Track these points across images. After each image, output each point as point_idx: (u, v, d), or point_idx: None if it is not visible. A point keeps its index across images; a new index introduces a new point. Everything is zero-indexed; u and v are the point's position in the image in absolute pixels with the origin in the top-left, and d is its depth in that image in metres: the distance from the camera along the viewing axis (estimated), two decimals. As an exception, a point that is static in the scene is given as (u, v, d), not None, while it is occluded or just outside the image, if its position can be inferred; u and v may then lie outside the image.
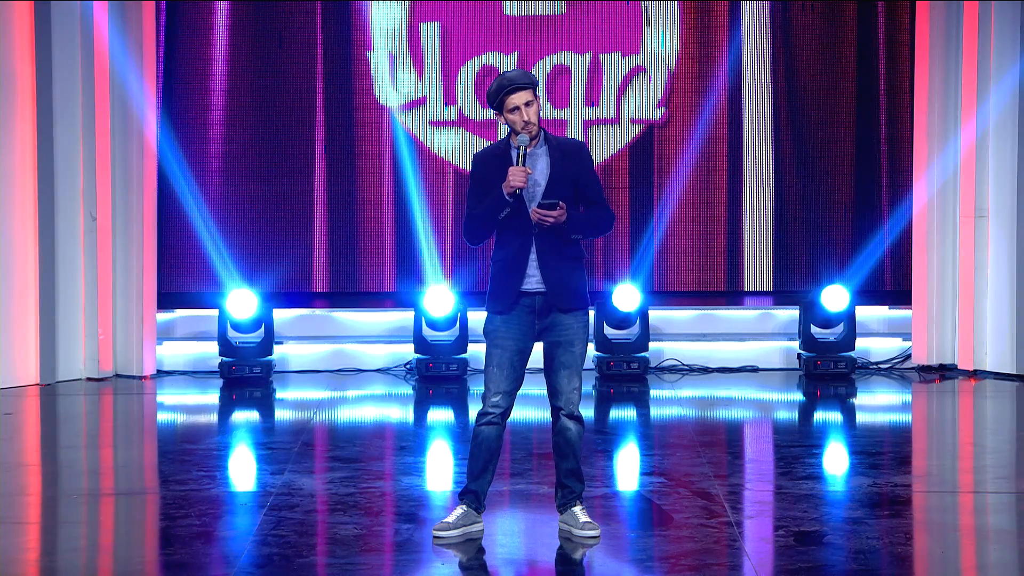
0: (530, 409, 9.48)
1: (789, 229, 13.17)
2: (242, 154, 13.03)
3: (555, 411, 6.79)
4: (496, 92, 6.61)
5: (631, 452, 9.04)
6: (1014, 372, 11.27)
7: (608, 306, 11.53)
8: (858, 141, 13.12)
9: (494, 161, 6.70)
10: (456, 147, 13.06)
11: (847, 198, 13.15)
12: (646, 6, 13.03)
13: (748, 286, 13.20)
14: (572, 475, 6.83)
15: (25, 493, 7.96)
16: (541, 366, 6.82)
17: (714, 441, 9.26)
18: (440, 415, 10.31)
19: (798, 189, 13.15)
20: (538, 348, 6.79)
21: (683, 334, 12.03)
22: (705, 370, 11.69)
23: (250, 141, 13.02)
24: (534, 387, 7.50)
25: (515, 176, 6.56)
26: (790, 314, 11.92)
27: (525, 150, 6.60)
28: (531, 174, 6.62)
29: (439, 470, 8.49)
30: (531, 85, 6.61)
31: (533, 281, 6.69)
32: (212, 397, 10.98)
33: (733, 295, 13.10)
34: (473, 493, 6.80)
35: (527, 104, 6.60)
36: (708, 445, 8.97)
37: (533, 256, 6.68)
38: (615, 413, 10.47)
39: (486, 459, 6.77)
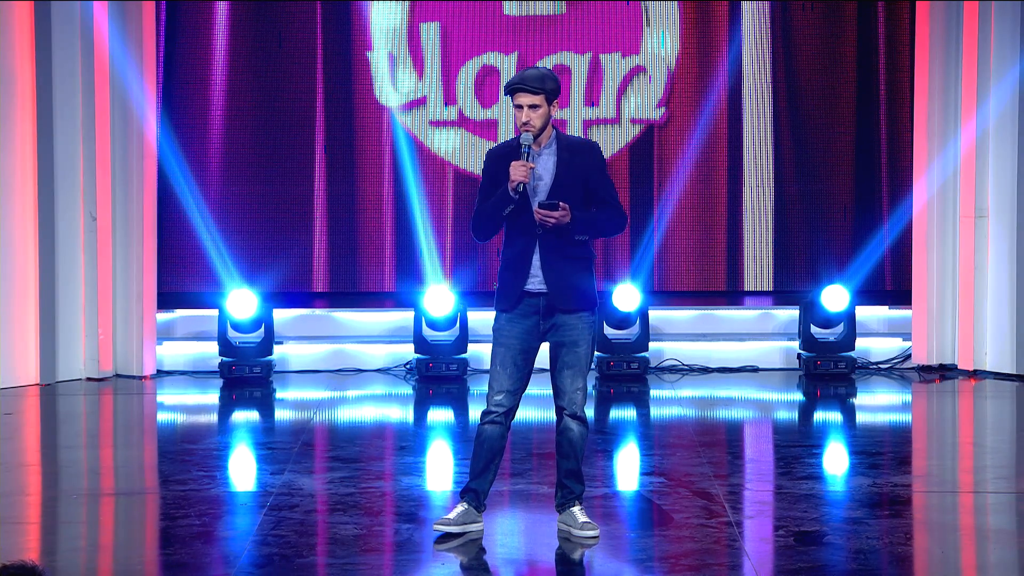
0: (531, 409, 9.48)
1: (789, 229, 13.16)
2: (242, 154, 13.02)
3: (559, 411, 6.83)
4: (508, 84, 6.68)
5: (631, 452, 9.04)
6: (1014, 372, 11.27)
7: (608, 306, 11.53)
8: (858, 141, 13.11)
9: (503, 158, 6.72)
10: (456, 147, 13.06)
11: (847, 198, 13.15)
12: (646, 6, 13.03)
13: (748, 286, 13.19)
14: (572, 475, 6.84)
15: (25, 493, 7.96)
16: (547, 366, 6.85)
17: (714, 441, 9.26)
18: (440, 415, 10.31)
19: (798, 189, 13.14)
20: (544, 347, 6.81)
21: (683, 334, 12.02)
22: (705, 370, 11.69)
23: (250, 141, 13.02)
24: (535, 387, 7.49)
25: (515, 170, 6.58)
26: (790, 314, 11.92)
27: (529, 147, 6.62)
28: (533, 168, 6.63)
29: (439, 470, 8.49)
30: (543, 92, 6.61)
31: (536, 282, 6.70)
32: (212, 397, 10.98)
33: (733, 295, 13.10)
34: (474, 492, 6.80)
35: (531, 107, 6.63)
36: (708, 445, 8.97)
37: (536, 256, 6.69)
38: (615, 413, 10.47)
39: (488, 458, 6.77)
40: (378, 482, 8.00)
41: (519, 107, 6.64)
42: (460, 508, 6.80)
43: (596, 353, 11.48)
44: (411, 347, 11.56)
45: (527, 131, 6.64)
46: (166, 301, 12.07)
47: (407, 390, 11.13)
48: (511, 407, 6.75)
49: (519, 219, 6.67)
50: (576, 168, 6.70)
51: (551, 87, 6.64)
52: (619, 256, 13.12)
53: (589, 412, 10.35)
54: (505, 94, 6.73)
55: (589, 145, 6.84)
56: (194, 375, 11.59)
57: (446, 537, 6.73)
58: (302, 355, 11.79)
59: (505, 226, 6.74)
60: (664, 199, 13.09)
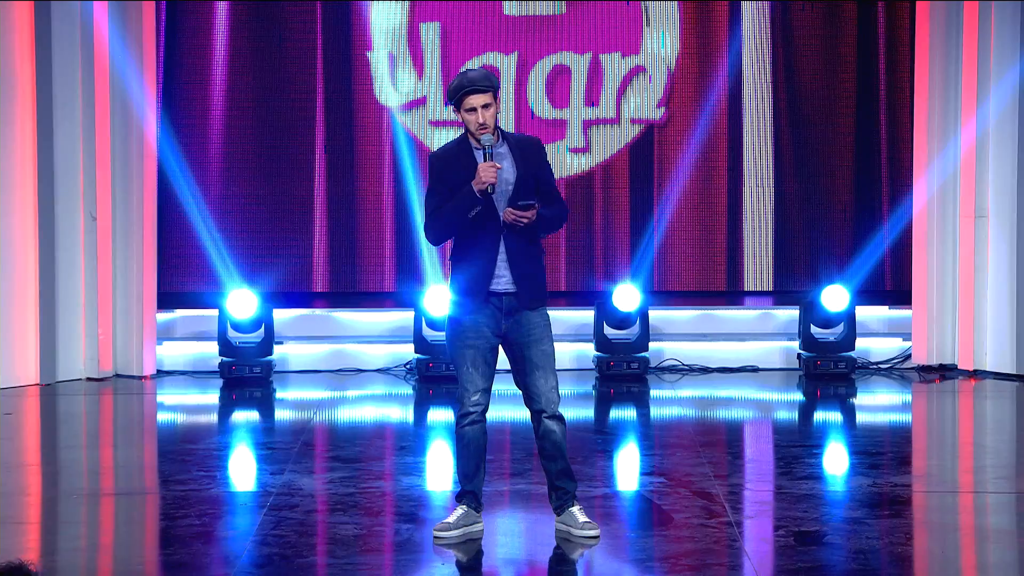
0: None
1: (789, 229, 13.16)
2: (242, 154, 13.02)
3: (536, 415, 6.75)
4: (456, 90, 6.62)
5: (631, 452, 9.04)
6: (1014, 372, 11.27)
7: (608, 306, 11.53)
8: (858, 141, 13.11)
9: (455, 160, 6.69)
10: (456, 147, 13.03)
11: (847, 198, 13.14)
12: (646, 6, 13.03)
13: (748, 286, 13.19)
14: (564, 475, 6.82)
15: (25, 493, 7.96)
16: (507, 367, 6.82)
17: (714, 441, 9.26)
18: (440, 415, 10.30)
19: (798, 189, 13.14)
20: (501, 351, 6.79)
21: (683, 334, 12.02)
22: (705, 370, 11.68)
23: (250, 141, 13.01)
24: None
25: (486, 171, 6.55)
26: (790, 314, 11.91)
27: (492, 148, 6.61)
28: (500, 169, 6.62)
29: (439, 470, 8.49)
30: (491, 89, 6.61)
31: (503, 281, 6.68)
32: (212, 397, 10.98)
33: (733, 295, 13.09)
34: (471, 493, 6.80)
35: (484, 107, 6.61)
36: (708, 445, 8.97)
37: (503, 256, 6.67)
38: (615, 413, 10.47)
39: (477, 458, 6.77)
40: (378, 482, 8.00)
41: (472, 110, 6.60)
42: (459, 511, 6.80)
43: (596, 353, 11.49)
44: (411, 347, 11.55)
45: (484, 132, 6.62)
46: (166, 301, 12.07)
47: (407, 390, 11.13)
48: (487, 404, 6.74)
49: (481, 220, 6.64)
50: (529, 165, 6.72)
51: (496, 83, 6.66)
52: (619, 256, 13.12)
53: (589, 412, 10.40)
54: (451, 101, 6.65)
55: (534, 141, 6.85)
56: (194, 375, 11.59)
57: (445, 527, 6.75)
58: (302, 355, 11.78)
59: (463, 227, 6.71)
60: (664, 199, 13.08)
